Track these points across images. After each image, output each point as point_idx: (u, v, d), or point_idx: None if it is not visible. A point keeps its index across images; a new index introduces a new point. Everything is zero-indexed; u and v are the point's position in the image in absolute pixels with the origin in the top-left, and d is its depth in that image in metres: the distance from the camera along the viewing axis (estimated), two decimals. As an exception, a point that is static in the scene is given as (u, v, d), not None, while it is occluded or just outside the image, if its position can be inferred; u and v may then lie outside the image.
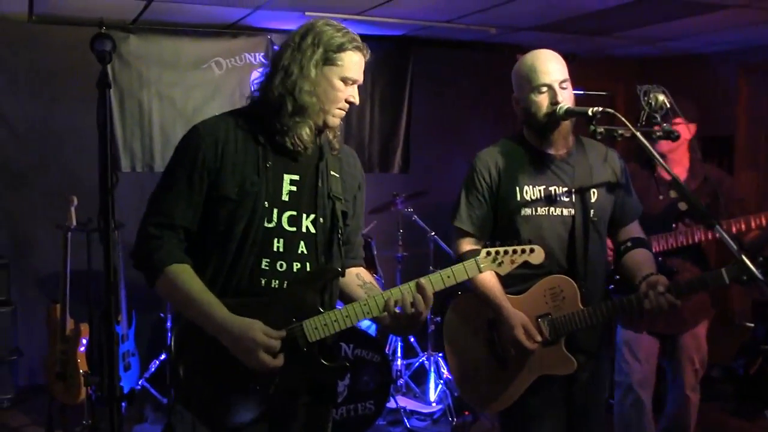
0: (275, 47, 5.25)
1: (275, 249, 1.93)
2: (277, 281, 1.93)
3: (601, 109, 2.22)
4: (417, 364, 4.86)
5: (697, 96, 3.58)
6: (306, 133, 1.94)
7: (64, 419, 4.16)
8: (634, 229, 2.59)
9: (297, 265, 1.95)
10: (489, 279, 2.40)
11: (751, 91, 5.95)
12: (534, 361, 2.41)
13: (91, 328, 4.05)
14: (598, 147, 2.55)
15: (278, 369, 1.86)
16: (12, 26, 4.88)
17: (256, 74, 5.36)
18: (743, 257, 2.05)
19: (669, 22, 4.82)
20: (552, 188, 2.43)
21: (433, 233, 4.84)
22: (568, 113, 2.33)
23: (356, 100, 2.00)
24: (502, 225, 2.48)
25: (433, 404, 4.63)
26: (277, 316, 1.90)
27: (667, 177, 3.20)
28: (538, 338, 2.36)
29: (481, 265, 2.01)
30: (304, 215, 1.98)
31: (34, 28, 4.93)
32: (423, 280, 1.94)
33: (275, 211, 1.94)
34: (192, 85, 5.27)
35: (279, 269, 1.93)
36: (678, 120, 3.02)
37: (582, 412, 2.52)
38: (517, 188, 2.43)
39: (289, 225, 1.96)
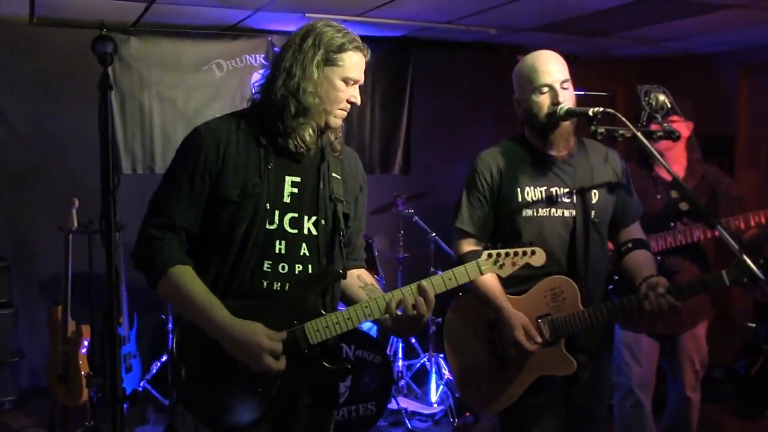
0: (276, 49, 5.26)
1: (277, 251, 1.93)
2: (278, 283, 1.93)
3: (601, 109, 2.22)
4: (418, 365, 4.86)
5: (697, 96, 3.58)
6: (309, 134, 1.94)
7: (66, 421, 4.16)
8: (635, 231, 2.59)
9: (299, 267, 1.95)
10: (489, 280, 2.40)
11: (751, 91, 5.95)
12: (534, 362, 2.41)
13: (92, 330, 4.06)
14: (599, 147, 2.55)
15: (281, 371, 1.86)
16: (13, 29, 4.89)
17: (256, 76, 5.36)
18: (745, 257, 2.05)
19: (669, 22, 4.82)
20: (553, 189, 2.44)
21: (434, 234, 4.84)
22: (569, 113, 2.33)
23: (358, 100, 2.00)
24: (503, 226, 2.48)
25: (435, 405, 4.62)
26: (278, 318, 1.90)
27: (665, 176, 3.21)
28: (539, 339, 2.36)
29: (483, 268, 2.01)
30: (306, 217, 1.98)
31: (35, 30, 4.93)
32: (424, 283, 1.94)
33: (277, 212, 1.94)
34: (193, 87, 5.28)
35: (281, 271, 1.94)
36: (675, 118, 3.02)
37: (583, 412, 2.52)
38: (518, 189, 2.44)
39: (291, 227, 1.96)
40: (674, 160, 3.24)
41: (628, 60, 6.51)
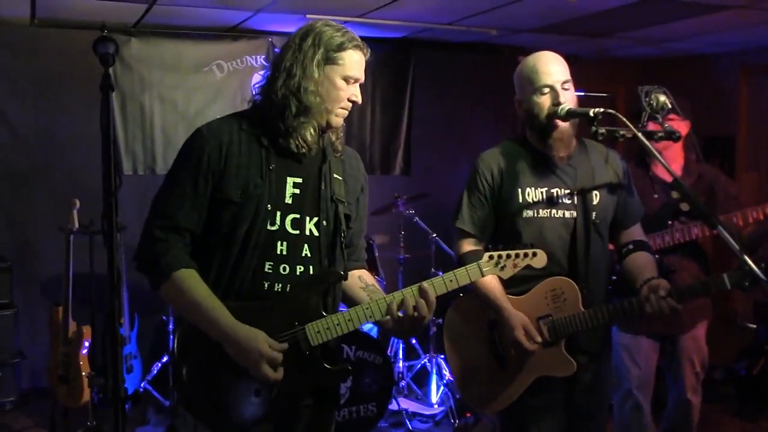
0: (276, 50, 5.26)
1: (278, 252, 1.93)
2: (280, 284, 1.93)
3: (602, 110, 2.22)
4: (419, 366, 4.86)
5: (698, 97, 3.58)
6: (310, 133, 1.94)
7: (67, 422, 4.16)
8: (636, 232, 2.59)
9: (300, 268, 1.95)
10: (490, 280, 2.39)
11: (752, 91, 5.95)
12: (534, 362, 2.41)
13: (93, 331, 4.06)
14: (600, 148, 2.55)
15: (278, 381, 1.86)
16: (14, 30, 4.89)
17: (257, 77, 5.36)
18: (746, 258, 2.05)
19: (670, 23, 4.82)
20: (554, 190, 2.44)
21: (434, 235, 4.84)
22: (570, 114, 2.33)
23: (359, 99, 2.00)
24: (503, 226, 2.48)
25: (435, 406, 4.62)
26: (279, 320, 1.90)
27: (662, 176, 3.20)
28: (539, 339, 2.36)
29: (484, 269, 2.01)
30: (308, 218, 1.98)
31: (36, 31, 4.94)
32: (426, 284, 1.94)
33: (278, 213, 1.94)
34: (193, 88, 5.28)
35: (282, 272, 1.94)
36: (673, 117, 3.01)
37: (583, 413, 2.52)
38: (519, 190, 2.44)
39: (293, 228, 1.96)
40: (671, 160, 3.23)
41: (628, 61, 6.50)
